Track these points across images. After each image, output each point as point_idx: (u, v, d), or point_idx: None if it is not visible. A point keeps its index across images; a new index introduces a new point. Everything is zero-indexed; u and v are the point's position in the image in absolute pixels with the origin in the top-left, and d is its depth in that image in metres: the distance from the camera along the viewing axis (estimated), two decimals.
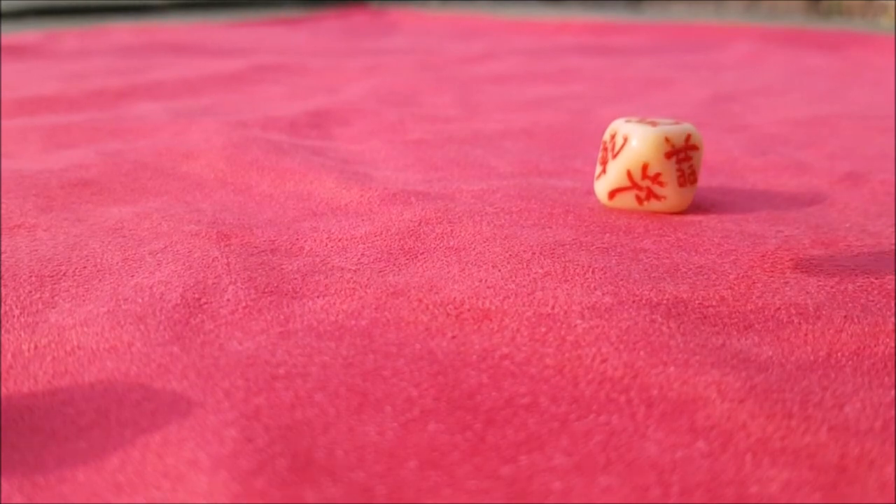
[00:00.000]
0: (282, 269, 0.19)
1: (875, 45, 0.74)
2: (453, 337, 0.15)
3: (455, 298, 0.17)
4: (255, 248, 0.20)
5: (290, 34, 0.78)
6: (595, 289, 0.17)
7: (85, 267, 0.19)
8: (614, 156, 0.23)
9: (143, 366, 0.14)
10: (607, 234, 0.21)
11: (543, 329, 0.16)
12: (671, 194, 0.22)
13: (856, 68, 0.60)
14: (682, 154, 0.22)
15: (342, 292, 0.17)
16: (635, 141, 0.22)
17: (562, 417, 0.13)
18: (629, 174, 0.22)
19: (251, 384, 0.14)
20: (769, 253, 0.20)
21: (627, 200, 0.23)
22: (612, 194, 0.23)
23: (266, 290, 0.17)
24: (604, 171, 0.23)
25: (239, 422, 0.12)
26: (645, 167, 0.22)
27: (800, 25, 0.96)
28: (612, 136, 0.23)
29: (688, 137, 0.22)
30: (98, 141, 0.32)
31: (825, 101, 0.45)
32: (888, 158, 0.31)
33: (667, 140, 0.22)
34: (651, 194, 0.22)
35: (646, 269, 0.18)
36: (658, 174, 0.22)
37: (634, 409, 0.13)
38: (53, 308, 0.17)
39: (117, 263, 0.19)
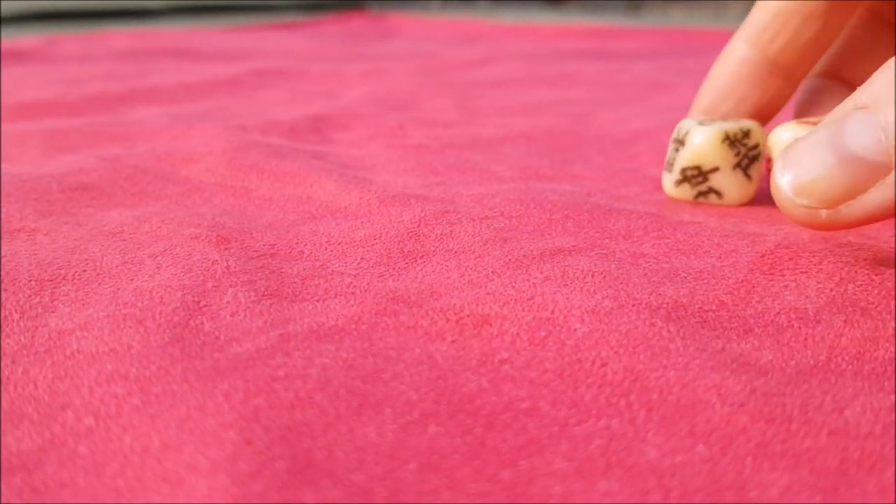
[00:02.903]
0: (281, 272, 0.19)
1: None
2: (453, 341, 0.15)
3: (454, 304, 0.17)
4: (255, 251, 0.20)
5: (290, 39, 0.78)
6: (594, 293, 0.17)
7: (84, 271, 0.19)
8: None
9: (143, 368, 0.14)
10: (606, 239, 0.21)
11: (543, 333, 0.16)
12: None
13: None
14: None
15: (342, 297, 0.17)
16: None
17: (562, 422, 0.13)
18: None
19: (251, 385, 0.14)
20: (768, 253, 0.20)
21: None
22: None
23: (266, 293, 0.17)
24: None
25: (238, 424, 0.12)
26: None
27: None
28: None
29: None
30: (98, 145, 0.32)
31: None
32: None
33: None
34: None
35: (645, 274, 0.18)
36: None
37: (634, 413, 0.13)
38: (53, 312, 0.17)
39: (117, 267, 0.19)
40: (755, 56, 0.24)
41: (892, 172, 0.16)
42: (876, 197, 0.16)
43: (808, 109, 0.25)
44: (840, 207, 0.17)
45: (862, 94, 0.17)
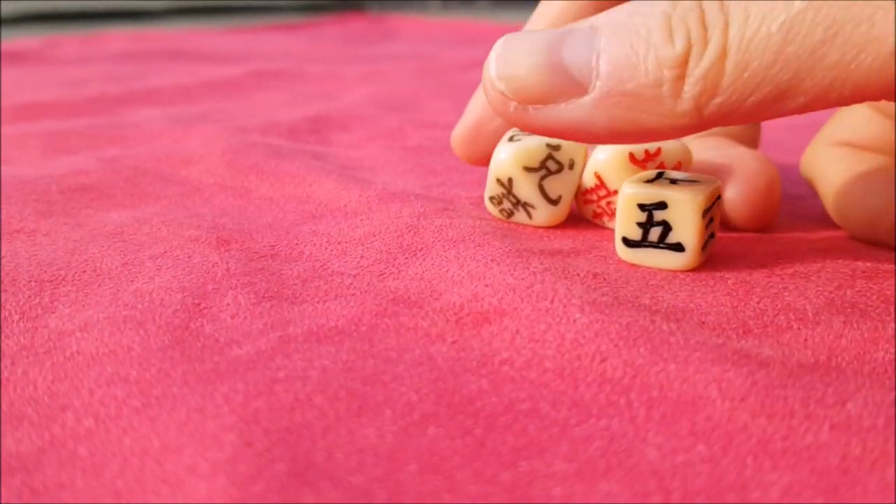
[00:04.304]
0: (281, 274, 0.19)
1: None
2: (453, 342, 0.15)
3: (454, 303, 0.17)
4: (255, 253, 0.20)
5: (289, 40, 0.78)
6: (594, 289, 0.17)
7: (84, 272, 0.19)
8: None
9: (143, 371, 0.14)
10: (605, 241, 0.21)
11: (543, 327, 0.15)
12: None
13: None
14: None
15: (342, 298, 0.17)
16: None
17: (562, 423, 0.13)
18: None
19: (251, 388, 0.14)
20: (767, 260, 0.20)
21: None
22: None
23: (266, 295, 0.17)
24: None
25: (238, 426, 0.12)
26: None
27: None
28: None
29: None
30: (97, 147, 0.32)
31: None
32: None
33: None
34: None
35: (643, 277, 0.18)
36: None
37: (634, 411, 0.13)
38: (53, 313, 0.17)
39: (117, 268, 0.19)
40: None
41: (585, 96, 0.16)
42: (563, 112, 0.16)
43: None
44: (528, 107, 0.16)
45: (601, 16, 0.16)
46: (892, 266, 0.19)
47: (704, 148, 0.22)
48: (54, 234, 0.21)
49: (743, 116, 0.15)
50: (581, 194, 0.21)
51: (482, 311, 0.16)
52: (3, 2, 0.93)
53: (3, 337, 0.16)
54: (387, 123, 0.37)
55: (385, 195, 0.23)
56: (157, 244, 0.20)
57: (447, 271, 0.18)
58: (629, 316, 0.16)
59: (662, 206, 0.18)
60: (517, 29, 0.22)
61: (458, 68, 0.58)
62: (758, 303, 0.17)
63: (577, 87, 0.16)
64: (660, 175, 0.19)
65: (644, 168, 0.20)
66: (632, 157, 0.20)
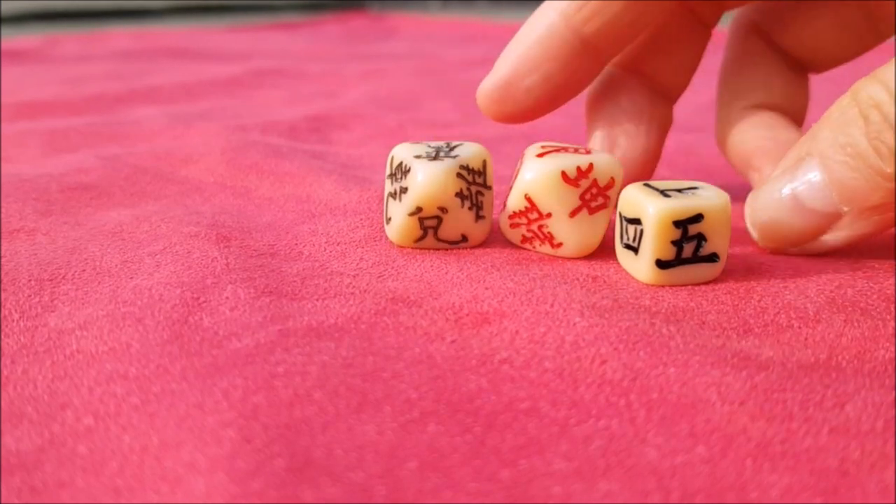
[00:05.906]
0: (281, 271, 0.19)
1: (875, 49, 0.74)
2: (452, 341, 0.15)
3: (454, 303, 0.17)
4: (255, 250, 0.20)
5: (289, 39, 0.78)
6: (594, 292, 0.17)
7: (84, 270, 0.19)
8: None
9: (142, 367, 0.14)
10: (605, 245, 0.21)
11: (542, 329, 0.16)
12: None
13: (856, 74, 0.60)
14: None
15: (341, 296, 0.17)
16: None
17: (561, 422, 0.13)
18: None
19: (250, 382, 0.14)
20: (767, 262, 0.20)
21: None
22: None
23: (265, 290, 0.17)
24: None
25: (237, 422, 0.12)
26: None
27: None
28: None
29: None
30: (97, 145, 0.32)
31: (823, 106, 0.45)
32: None
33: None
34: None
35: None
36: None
37: (634, 413, 0.13)
38: (53, 312, 0.17)
39: (116, 266, 0.19)
40: (566, 32, 0.21)
41: (841, 221, 0.18)
42: (837, 237, 0.19)
43: (600, 102, 0.23)
44: (804, 246, 0.19)
45: (811, 148, 0.18)
46: (893, 265, 0.19)
47: (752, 126, 0.22)
48: (54, 233, 0.21)
49: None
50: (507, 217, 0.19)
51: (482, 312, 0.16)
52: (3, 0, 0.93)
53: (3, 336, 0.16)
54: (387, 122, 0.37)
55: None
56: (156, 241, 0.20)
57: (447, 273, 0.18)
58: (629, 320, 0.16)
59: (698, 218, 0.17)
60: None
61: (458, 67, 0.58)
62: (758, 301, 0.17)
63: (828, 219, 0.18)
64: (655, 188, 0.18)
65: (577, 186, 0.18)
66: (564, 175, 0.18)
